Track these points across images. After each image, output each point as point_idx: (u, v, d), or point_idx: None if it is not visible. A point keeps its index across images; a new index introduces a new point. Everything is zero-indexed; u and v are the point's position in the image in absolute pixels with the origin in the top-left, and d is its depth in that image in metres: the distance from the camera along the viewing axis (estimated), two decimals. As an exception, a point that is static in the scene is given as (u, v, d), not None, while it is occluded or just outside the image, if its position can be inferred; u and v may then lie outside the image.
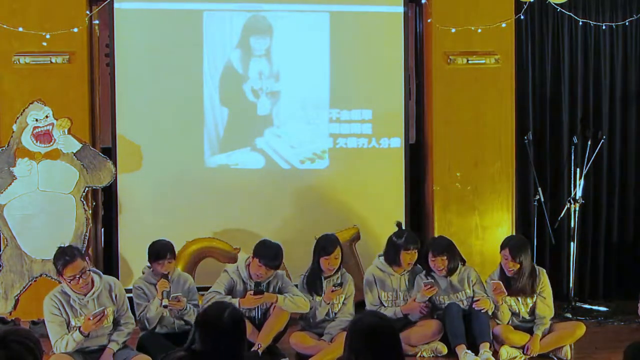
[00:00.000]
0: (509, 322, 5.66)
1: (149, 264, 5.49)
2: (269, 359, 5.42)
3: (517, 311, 5.68)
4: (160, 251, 5.39)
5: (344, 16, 7.03)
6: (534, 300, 5.65)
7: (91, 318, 4.82)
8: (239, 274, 5.51)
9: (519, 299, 5.65)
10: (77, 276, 4.86)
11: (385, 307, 5.74)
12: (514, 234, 6.90)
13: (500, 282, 5.55)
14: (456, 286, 5.74)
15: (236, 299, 5.40)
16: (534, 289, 5.62)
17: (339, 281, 5.63)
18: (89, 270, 4.99)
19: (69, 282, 4.88)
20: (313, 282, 5.62)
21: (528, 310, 5.67)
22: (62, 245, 5.10)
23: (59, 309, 4.91)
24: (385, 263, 5.81)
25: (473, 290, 5.73)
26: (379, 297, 5.79)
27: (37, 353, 2.87)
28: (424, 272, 5.81)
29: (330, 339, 5.51)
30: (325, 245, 5.61)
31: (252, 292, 5.38)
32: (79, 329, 4.86)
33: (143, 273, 5.54)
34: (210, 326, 3.15)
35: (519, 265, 5.56)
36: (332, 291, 5.52)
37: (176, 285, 5.44)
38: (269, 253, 5.41)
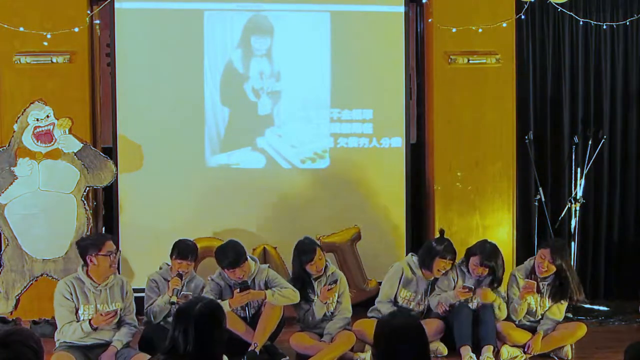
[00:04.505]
0: (519, 320, 5.65)
1: (168, 262, 5.58)
2: (268, 359, 5.42)
3: (534, 311, 5.67)
4: (183, 251, 5.52)
5: (345, 16, 7.03)
6: (552, 303, 5.66)
7: (103, 314, 4.95)
8: (222, 277, 5.54)
9: (539, 299, 5.64)
10: (114, 252, 5.08)
11: (398, 304, 5.71)
12: (515, 234, 6.93)
13: (535, 282, 5.50)
14: (477, 287, 5.71)
15: (226, 301, 5.40)
16: (572, 294, 5.61)
17: (329, 280, 5.60)
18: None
19: (108, 256, 5.01)
20: (302, 287, 5.60)
21: (542, 312, 5.67)
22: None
23: (71, 294, 5.03)
24: (418, 264, 5.77)
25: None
26: (396, 294, 5.75)
27: (39, 353, 2.87)
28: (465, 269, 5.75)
29: (330, 339, 5.50)
30: (304, 250, 5.57)
31: (238, 290, 5.38)
32: (90, 322, 4.96)
33: (160, 268, 5.61)
34: (184, 317, 3.25)
35: (554, 268, 5.54)
36: (329, 290, 5.50)
37: (188, 286, 5.52)
38: (226, 255, 5.42)
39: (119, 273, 6.58)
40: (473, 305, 5.67)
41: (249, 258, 5.53)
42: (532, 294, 5.53)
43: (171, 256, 5.55)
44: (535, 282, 5.52)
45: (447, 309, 5.62)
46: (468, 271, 5.71)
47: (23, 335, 2.89)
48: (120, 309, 5.10)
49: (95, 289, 5.06)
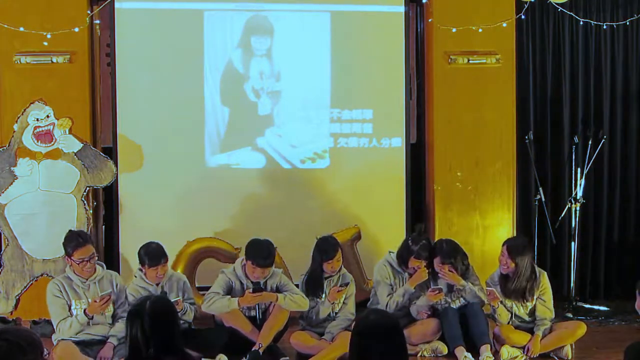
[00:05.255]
0: (509, 322, 5.66)
1: (140, 268, 5.46)
2: (269, 358, 5.43)
3: (517, 312, 5.67)
4: (153, 257, 5.34)
5: (345, 16, 7.03)
6: (534, 303, 5.65)
7: (97, 300, 4.99)
8: (236, 274, 5.52)
9: (520, 301, 5.65)
10: (86, 260, 5.07)
11: (394, 292, 5.72)
12: (516, 234, 6.92)
13: (494, 290, 5.54)
14: (454, 287, 5.74)
15: (235, 298, 5.41)
16: (532, 293, 5.60)
17: (340, 281, 5.64)
18: (96, 256, 5.21)
19: (78, 264, 5.05)
20: (314, 284, 5.63)
21: (527, 311, 5.67)
22: (74, 230, 5.34)
23: (61, 292, 5.10)
24: (397, 261, 5.81)
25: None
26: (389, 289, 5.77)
27: (30, 352, 2.84)
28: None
29: (331, 339, 5.51)
30: (326, 249, 5.60)
31: (250, 290, 5.39)
32: (84, 311, 5.02)
33: (135, 277, 5.50)
34: (135, 316, 3.29)
35: (513, 264, 5.55)
36: (339, 291, 5.53)
37: (170, 286, 5.46)
38: (260, 253, 5.41)
39: (119, 273, 6.61)
40: (456, 304, 5.69)
41: None
42: (497, 300, 5.55)
43: (143, 265, 5.37)
44: (494, 290, 5.53)
45: (429, 313, 5.68)
46: (436, 275, 5.73)
47: (15, 334, 2.87)
48: (114, 301, 5.12)
49: (84, 284, 5.13)
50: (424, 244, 5.73)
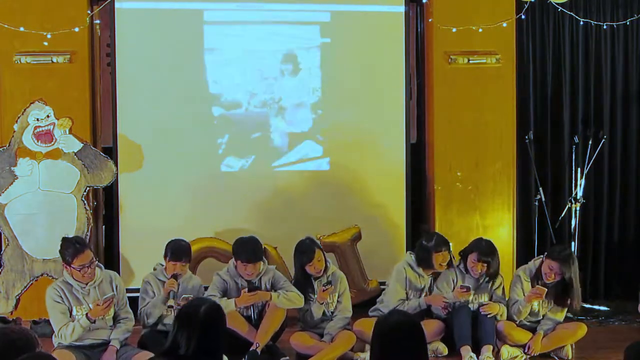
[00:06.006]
0: (519, 320, 5.67)
1: (162, 263, 5.53)
2: (269, 358, 5.43)
3: (537, 311, 5.67)
4: (176, 252, 5.45)
5: (345, 16, 7.03)
6: (553, 306, 5.67)
7: (100, 304, 4.92)
8: (230, 274, 5.54)
9: (542, 301, 5.65)
10: (86, 266, 4.99)
11: (409, 299, 5.72)
12: (515, 234, 6.93)
13: (545, 290, 5.48)
14: (479, 288, 5.74)
15: (232, 299, 5.42)
16: (572, 302, 5.64)
17: (328, 279, 5.62)
18: (96, 260, 5.13)
19: (79, 271, 4.97)
20: (302, 287, 5.60)
21: (544, 313, 5.69)
22: (68, 236, 5.22)
23: (61, 297, 5.02)
24: (417, 263, 5.80)
25: (491, 295, 5.74)
26: (406, 292, 5.77)
27: (26, 350, 2.84)
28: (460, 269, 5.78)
29: (330, 339, 5.51)
30: (304, 251, 5.59)
31: (246, 289, 5.40)
32: (86, 315, 4.94)
33: (155, 269, 5.57)
34: (187, 320, 3.25)
35: (560, 277, 5.54)
36: (323, 290, 5.50)
37: (184, 286, 5.48)
38: (246, 249, 5.44)
39: (119, 274, 6.61)
40: (474, 306, 5.68)
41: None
42: (539, 298, 5.54)
43: (165, 257, 5.50)
44: (546, 290, 5.50)
45: (450, 309, 5.66)
46: (467, 271, 5.73)
47: (8, 333, 2.88)
48: (113, 296, 5.07)
49: (83, 289, 5.05)
50: (439, 237, 5.77)
